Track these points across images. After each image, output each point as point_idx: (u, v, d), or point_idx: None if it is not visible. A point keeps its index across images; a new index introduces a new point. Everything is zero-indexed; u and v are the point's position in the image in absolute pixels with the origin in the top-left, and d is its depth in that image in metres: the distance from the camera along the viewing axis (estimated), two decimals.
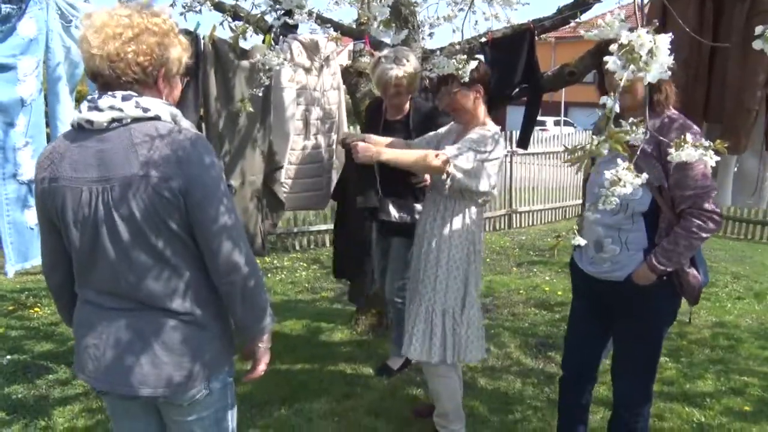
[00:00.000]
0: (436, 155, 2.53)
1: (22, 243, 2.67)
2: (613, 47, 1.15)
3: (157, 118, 1.51)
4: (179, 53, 1.58)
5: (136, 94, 1.50)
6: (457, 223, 2.67)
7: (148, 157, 1.47)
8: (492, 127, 2.67)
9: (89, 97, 1.51)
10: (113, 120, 1.48)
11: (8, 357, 3.88)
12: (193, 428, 1.70)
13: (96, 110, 1.48)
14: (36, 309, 4.89)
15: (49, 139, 2.80)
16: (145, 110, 1.49)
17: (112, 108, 1.47)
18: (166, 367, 1.57)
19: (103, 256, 1.53)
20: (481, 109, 2.69)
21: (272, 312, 1.71)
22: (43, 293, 5.36)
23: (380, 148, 2.68)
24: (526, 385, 3.59)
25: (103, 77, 1.49)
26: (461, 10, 4.38)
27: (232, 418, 1.79)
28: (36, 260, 2.75)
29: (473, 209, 2.70)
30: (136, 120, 1.49)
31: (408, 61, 3.12)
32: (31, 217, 2.68)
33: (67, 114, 2.81)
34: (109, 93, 1.49)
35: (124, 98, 1.48)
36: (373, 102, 3.70)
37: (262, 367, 1.73)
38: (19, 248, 2.66)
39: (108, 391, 1.62)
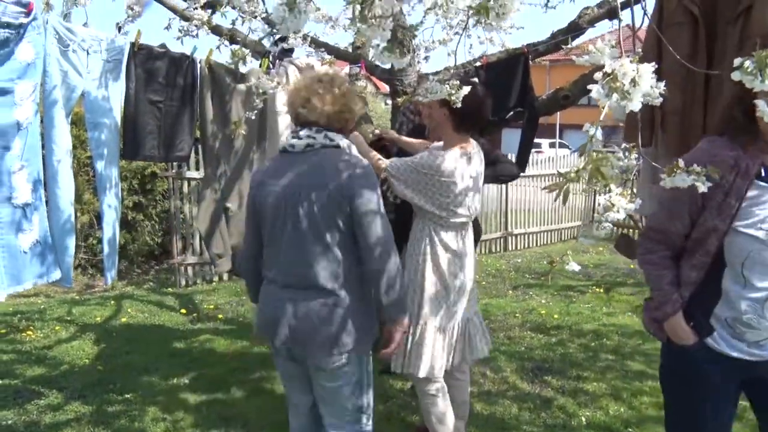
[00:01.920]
0: (379, 159, 2.73)
1: (15, 266, 2.65)
2: (597, 75, 1.16)
3: (338, 146, 2.11)
4: (359, 108, 2.23)
5: (326, 130, 2.10)
6: (419, 241, 2.76)
7: (330, 172, 2.05)
8: (448, 153, 2.66)
9: (293, 130, 2.17)
10: (308, 145, 2.09)
11: None
12: (338, 392, 2.15)
13: (297, 138, 2.11)
14: (28, 332, 4.85)
15: (44, 162, 2.80)
16: (331, 140, 2.10)
17: (308, 137, 2.09)
18: (322, 333, 2.06)
19: (288, 244, 2.08)
20: (449, 130, 2.71)
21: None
22: (36, 316, 5.32)
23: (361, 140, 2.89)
24: (522, 410, 3.56)
25: (309, 121, 2.11)
26: (456, 33, 4.43)
27: (368, 393, 2.24)
28: (28, 284, 2.73)
29: (440, 233, 2.71)
30: (324, 146, 2.09)
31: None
32: (24, 241, 2.67)
33: (63, 137, 2.82)
34: (307, 127, 2.11)
35: (317, 131, 2.10)
36: (417, 127, 3.76)
37: (394, 346, 2.19)
38: (11, 272, 2.64)
39: (278, 347, 2.15)
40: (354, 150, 2.18)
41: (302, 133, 2.10)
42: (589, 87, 1.18)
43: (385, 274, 2.05)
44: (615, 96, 1.12)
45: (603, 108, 1.16)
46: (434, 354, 2.72)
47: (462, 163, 2.67)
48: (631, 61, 1.13)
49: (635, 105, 1.17)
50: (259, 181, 2.18)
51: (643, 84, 1.13)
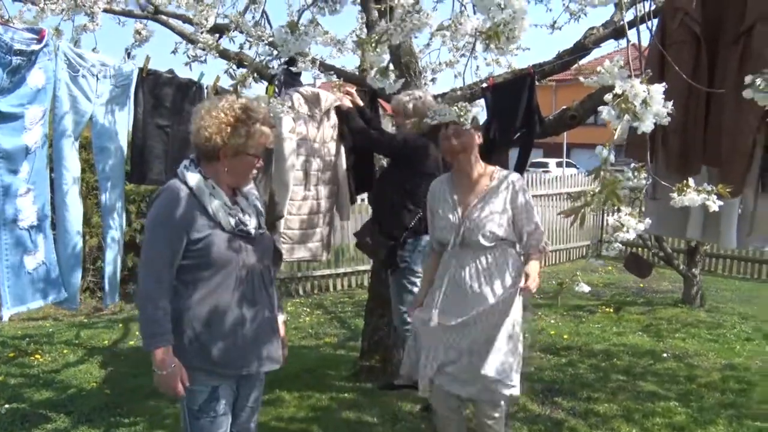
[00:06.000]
0: None
1: (19, 287, 2.67)
2: (607, 97, 1.16)
3: None
4: None
5: None
6: (517, 269, 3.11)
7: None
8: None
9: None
10: None
11: (6, 406, 3.82)
12: None
13: None
14: (37, 356, 4.84)
15: (53, 185, 2.82)
16: None
17: None
18: None
19: None
20: (477, 153, 2.80)
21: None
22: (44, 339, 5.32)
23: None
24: None
25: None
26: (463, 55, 4.46)
27: None
28: (33, 304, 2.74)
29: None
30: None
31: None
32: (29, 262, 2.69)
33: (72, 161, 2.84)
34: None
35: None
36: None
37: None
38: (15, 292, 2.66)
39: None
40: None
41: None
42: (600, 109, 1.18)
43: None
44: (626, 117, 1.12)
45: (614, 129, 1.16)
46: None
47: None
48: (641, 82, 1.13)
49: (647, 126, 1.16)
50: None
51: (655, 105, 1.13)
